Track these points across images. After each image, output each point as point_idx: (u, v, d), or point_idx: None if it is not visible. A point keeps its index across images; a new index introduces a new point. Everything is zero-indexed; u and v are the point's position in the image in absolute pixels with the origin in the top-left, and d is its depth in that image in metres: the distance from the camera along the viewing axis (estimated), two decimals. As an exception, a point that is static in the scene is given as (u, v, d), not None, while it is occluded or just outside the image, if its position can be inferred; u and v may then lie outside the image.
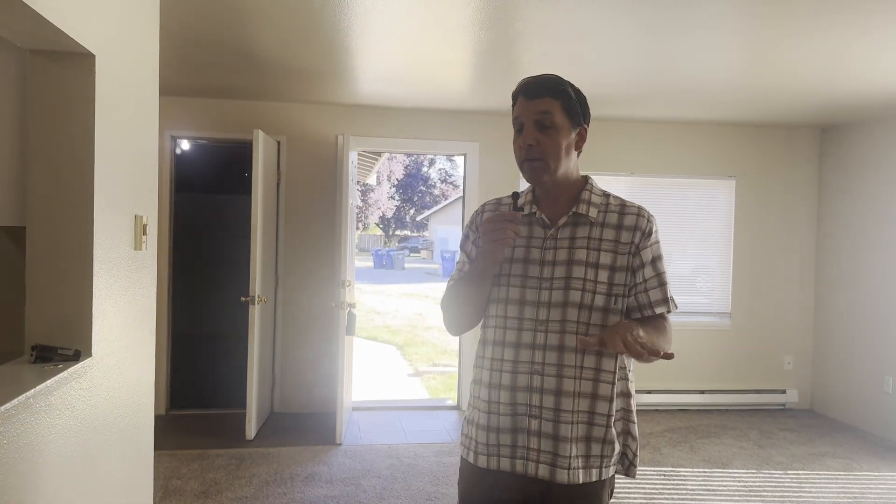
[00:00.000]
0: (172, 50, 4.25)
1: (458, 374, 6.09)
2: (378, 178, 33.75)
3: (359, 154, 8.31)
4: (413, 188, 38.12)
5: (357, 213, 35.04)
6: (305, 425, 5.38)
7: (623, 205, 1.81)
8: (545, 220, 1.78)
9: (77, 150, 2.03)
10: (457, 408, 6.05)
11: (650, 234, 1.77)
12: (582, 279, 1.71)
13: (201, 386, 5.87)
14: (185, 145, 6.17)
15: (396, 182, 37.42)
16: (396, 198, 38.12)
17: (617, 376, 1.75)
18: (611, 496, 1.82)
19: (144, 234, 2.48)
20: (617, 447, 1.77)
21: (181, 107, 5.54)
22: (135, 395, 2.50)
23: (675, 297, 1.82)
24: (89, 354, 2.04)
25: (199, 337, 5.95)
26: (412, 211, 39.27)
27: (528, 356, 1.72)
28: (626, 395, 1.79)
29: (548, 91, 1.75)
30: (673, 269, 6.32)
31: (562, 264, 1.73)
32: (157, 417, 5.49)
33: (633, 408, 1.81)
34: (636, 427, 1.82)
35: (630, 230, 1.76)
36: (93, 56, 2.03)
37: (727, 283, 6.34)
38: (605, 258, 1.73)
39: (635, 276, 1.75)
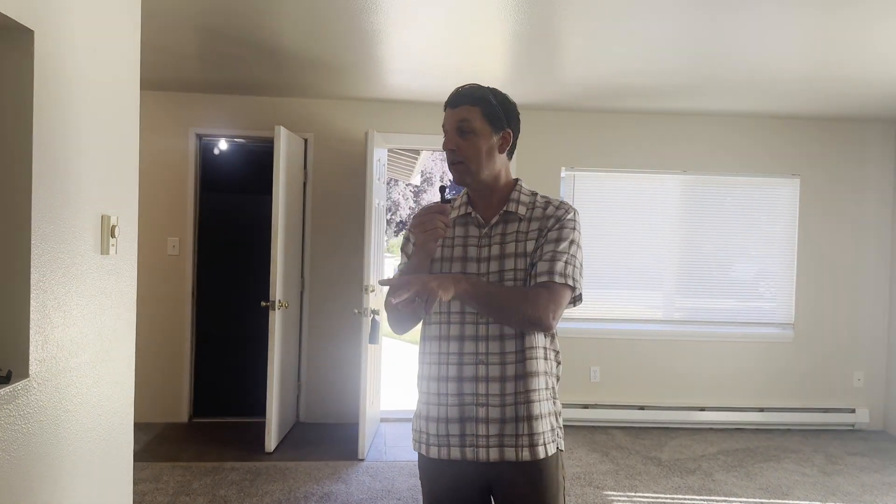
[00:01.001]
0: (195, 43, 4.05)
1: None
2: (428, 178, 33.56)
3: (396, 152, 8.02)
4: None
5: (409, 214, 35.14)
6: (330, 437, 5.10)
7: (548, 202, 1.91)
8: (479, 220, 1.91)
9: (11, 140, 1.77)
10: (492, 421, 5.68)
11: (560, 220, 1.85)
12: (513, 269, 1.83)
13: (226, 392, 5.66)
14: (223, 145, 5.99)
15: (450, 182, 37.18)
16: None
17: (545, 354, 1.86)
18: (565, 476, 1.93)
19: (113, 236, 2.21)
20: (555, 422, 1.89)
21: (206, 104, 5.33)
22: (102, 416, 2.24)
23: (570, 276, 1.83)
24: (25, 375, 1.77)
25: (224, 341, 5.74)
26: (465, 212, 38.88)
27: (473, 347, 1.83)
28: (553, 374, 1.91)
29: (468, 100, 1.87)
30: (732, 274, 5.83)
31: (496, 259, 1.85)
32: (178, 425, 5.34)
33: (557, 386, 1.94)
34: (559, 404, 1.94)
35: (546, 219, 1.86)
36: (31, 32, 1.76)
37: (790, 290, 5.81)
38: (530, 246, 1.84)
39: (539, 248, 1.84)
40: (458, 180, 1.89)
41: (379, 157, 5.05)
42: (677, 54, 3.97)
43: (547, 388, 1.86)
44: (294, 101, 5.39)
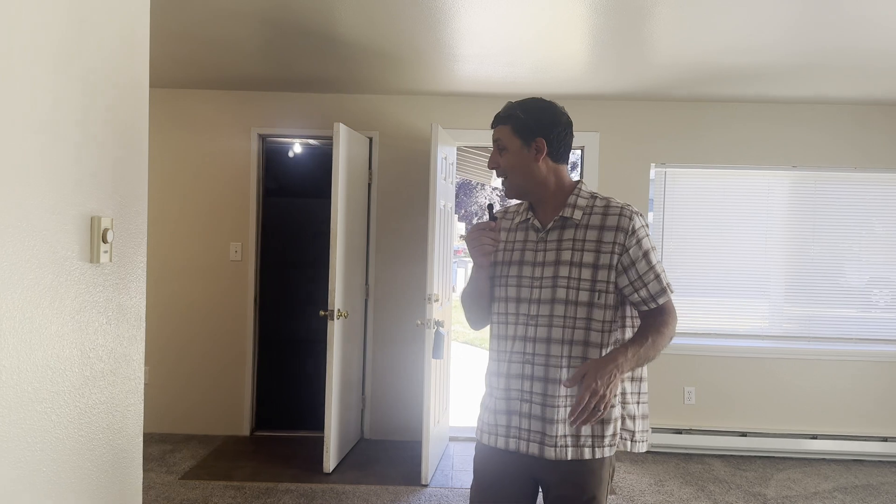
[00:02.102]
0: (258, 38, 3.81)
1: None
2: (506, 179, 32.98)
3: (471, 151, 7.61)
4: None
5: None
6: (395, 456, 4.74)
7: (607, 205, 1.97)
8: (537, 225, 2.02)
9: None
10: (572, 444, 5.17)
11: (633, 231, 1.92)
12: (567, 277, 1.92)
13: (290, 405, 5.40)
14: (297, 148, 5.76)
15: (498, 197, 36.53)
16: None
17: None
18: (612, 475, 2.00)
19: (104, 241, 1.90)
20: (610, 429, 1.92)
21: (269, 103, 5.09)
22: (96, 451, 1.93)
23: (670, 282, 1.98)
24: (-32, 411, 1.47)
25: (288, 351, 5.50)
26: (554, 216, 38.11)
27: (521, 347, 1.96)
28: (622, 379, 1.90)
29: (500, 119, 2.04)
30: (844, 281, 5.10)
31: (550, 265, 1.95)
32: (239, 439, 5.10)
33: (635, 390, 1.99)
34: (639, 407, 1.99)
35: (613, 230, 1.92)
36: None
37: (921, 302, 5.03)
38: (588, 257, 1.92)
39: (628, 274, 1.92)
40: (507, 193, 2.04)
41: (445, 154, 4.66)
42: (789, 27, 3.38)
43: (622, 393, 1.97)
44: (358, 98, 5.08)
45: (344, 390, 4.63)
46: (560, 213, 1.98)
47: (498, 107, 5.26)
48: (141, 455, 2.23)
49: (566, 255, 1.94)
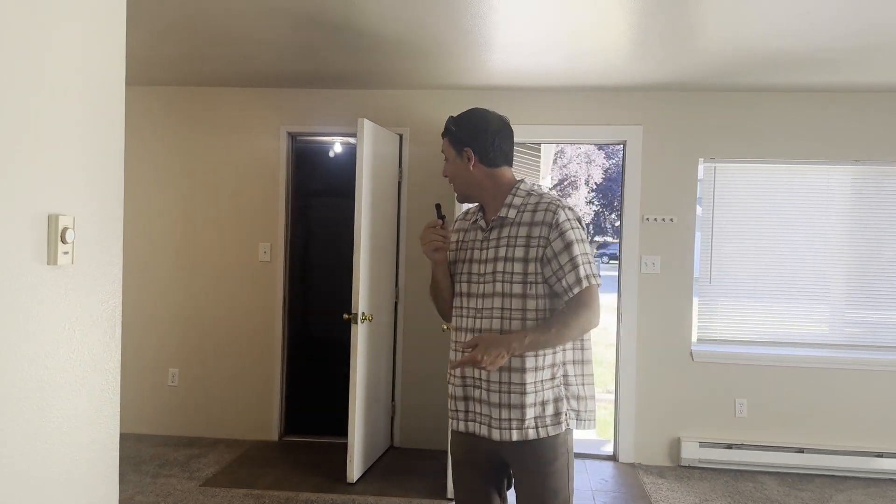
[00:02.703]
0: (288, 32, 3.67)
1: (614, 411, 4.92)
2: (573, 182, 32.52)
3: (517, 152, 7.37)
4: (613, 192, 36.25)
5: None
6: (424, 467, 4.54)
7: (538, 202, 2.11)
8: (482, 225, 2.19)
9: None
10: (613, 458, 4.89)
11: (557, 224, 2.05)
12: (503, 272, 2.08)
13: (320, 409, 5.26)
14: (337, 148, 5.64)
15: (595, 186, 35.83)
16: (595, 202, 36.46)
17: (544, 351, 2.06)
18: (568, 451, 2.13)
19: (64, 241, 1.75)
20: (550, 409, 2.07)
21: (298, 100, 4.97)
22: (47, 468, 1.78)
23: (595, 274, 2.07)
24: None
25: (318, 354, 5.37)
26: (612, 216, 37.37)
27: (464, 338, 2.12)
28: (563, 363, 2.09)
29: (443, 133, 2.22)
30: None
31: (490, 261, 2.12)
32: (267, 445, 4.97)
33: (579, 373, 2.12)
34: (584, 388, 2.13)
35: (539, 225, 2.07)
36: None
37: None
38: (520, 252, 2.08)
39: (551, 265, 2.06)
40: (457, 198, 2.25)
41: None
42: (846, 2, 3.04)
43: (541, 380, 2.06)
44: (388, 94, 4.90)
45: (370, 397, 4.45)
46: (498, 213, 2.14)
47: (531, 100, 5.07)
48: (116, 470, 2.08)
49: (502, 252, 2.10)
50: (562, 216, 2.05)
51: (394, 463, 4.64)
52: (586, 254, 2.06)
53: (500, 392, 2.06)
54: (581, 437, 5.84)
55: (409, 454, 4.79)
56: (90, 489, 1.93)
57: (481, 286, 2.11)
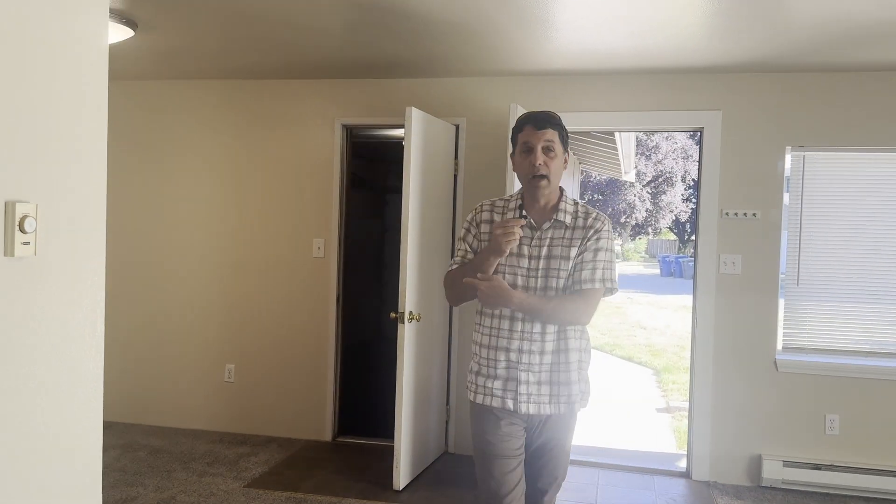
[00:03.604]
0: (342, 20, 3.51)
1: (688, 422, 4.51)
2: (668, 178, 31.34)
3: (588, 141, 7.01)
4: (711, 189, 34.66)
5: (645, 216, 33.02)
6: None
7: (587, 213, 2.37)
8: (532, 223, 2.36)
9: None
10: (685, 475, 4.48)
11: (597, 232, 2.33)
12: (557, 269, 2.31)
13: (374, 410, 5.10)
14: (393, 140, 5.47)
15: (692, 182, 34.44)
16: (693, 200, 35.05)
17: (577, 336, 2.38)
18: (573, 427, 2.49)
19: (23, 230, 1.61)
20: (577, 388, 2.39)
21: (352, 91, 4.81)
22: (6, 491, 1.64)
23: (610, 279, 2.35)
24: None
25: (373, 352, 5.20)
26: (710, 214, 35.75)
27: (520, 327, 2.33)
28: (583, 350, 2.42)
29: (551, 124, 2.32)
30: None
31: (544, 258, 2.33)
32: (319, 445, 4.83)
33: (586, 359, 2.44)
34: (587, 374, 2.46)
35: (586, 229, 2.34)
36: None
37: None
38: (572, 252, 2.31)
39: (578, 258, 2.33)
40: (537, 192, 2.32)
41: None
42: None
43: (577, 361, 2.38)
44: (443, 83, 4.67)
45: (420, 400, 4.24)
46: (555, 216, 2.34)
47: (595, 85, 4.69)
48: (99, 484, 1.93)
49: (556, 251, 2.32)
50: (605, 231, 2.34)
51: (446, 469, 4.41)
52: (610, 262, 2.35)
53: (557, 371, 2.34)
54: (652, 449, 5.43)
55: (463, 461, 4.55)
56: None
57: (532, 280, 2.30)
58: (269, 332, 4.97)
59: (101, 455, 1.89)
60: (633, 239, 38.48)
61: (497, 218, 2.40)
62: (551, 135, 2.29)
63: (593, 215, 2.35)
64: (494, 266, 2.27)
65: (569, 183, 9.40)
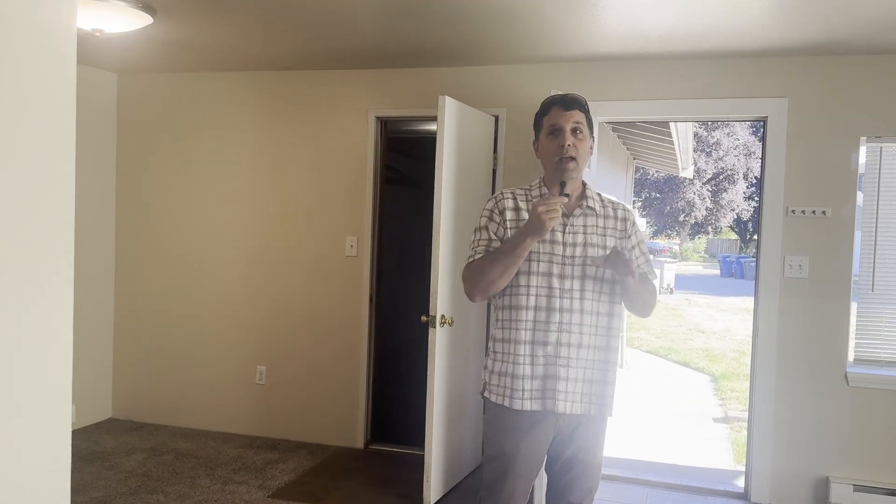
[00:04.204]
0: (366, 4, 3.28)
1: (747, 439, 4.13)
2: (730, 176, 30.31)
3: (637, 134, 6.63)
4: (775, 187, 33.40)
5: (705, 215, 31.98)
6: (514, 492, 3.99)
7: (613, 202, 2.36)
8: (563, 209, 2.22)
9: None
10: (743, 496, 4.10)
11: (633, 223, 2.37)
12: (592, 257, 2.23)
13: (409, 417, 4.86)
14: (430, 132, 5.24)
15: (755, 180, 33.20)
16: (755, 198, 33.78)
17: (616, 335, 2.32)
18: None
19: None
20: (612, 389, 2.31)
21: (386, 81, 4.58)
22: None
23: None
24: None
25: (409, 358, 4.97)
26: (774, 213, 34.48)
27: (557, 318, 2.22)
28: (618, 350, 2.37)
29: (578, 105, 2.28)
30: None
31: (581, 245, 2.25)
32: (350, 452, 4.57)
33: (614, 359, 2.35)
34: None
35: (622, 220, 2.33)
36: None
37: None
38: (609, 241, 2.28)
39: (633, 253, 2.33)
40: (566, 175, 2.23)
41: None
42: None
43: (616, 361, 2.34)
44: (483, 71, 4.39)
45: (453, 409, 3.98)
46: (584, 203, 2.29)
47: (647, 71, 4.28)
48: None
49: (592, 239, 2.26)
50: (634, 218, 2.37)
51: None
52: (648, 252, 2.42)
53: (593, 369, 2.25)
54: (706, 465, 5.04)
55: (500, 474, 4.27)
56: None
57: (567, 268, 2.22)
58: (301, 333, 4.78)
59: (68, 471, 1.67)
60: (693, 238, 37.40)
61: (522, 205, 2.31)
62: (579, 116, 2.24)
63: (621, 206, 2.35)
64: (529, 249, 2.15)
65: (622, 179, 8.99)
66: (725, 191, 31.65)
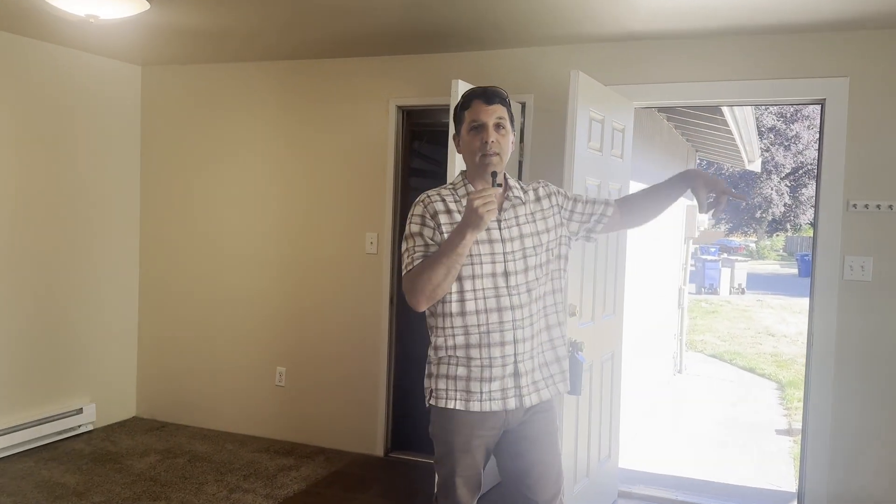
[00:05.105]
0: None
1: (801, 456, 3.70)
2: (809, 171, 28.83)
3: (699, 124, 6.17)
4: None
5: (784, 212, 30.53)
6: None
7: (530, 185, 2.30)
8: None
9: None
10: (795, 522, 3.67)
11: (556, 190, 2.31)
12: (534, 247, 2.19)
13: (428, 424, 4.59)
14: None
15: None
16: (838, 193, 32.09)
17: (558, 311, 2.28)
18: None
19: None
20: (566, 365, 2.30)
21: (407, 67, 4.33)
22: None
23: None
24: None
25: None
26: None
27: (510, 316, 2.14)
28: (563, 325, 2.32)
29: (500, 100, 2.19)
30: None
31: (517, 239, 2.18)
32: (369, 460, 4.30)
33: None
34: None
35: (545, 198, 2.27)
36: None
37: None
38: (540, 225, 2.23)
39: (577, 210, 2.32)
40: (488, 171, 2.13)
41: (602, 115, 3.48)
42: None
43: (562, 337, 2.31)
44: (509, 55, 4.09)
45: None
46: (510, 194, 2.20)
47: (688, 50, 3.85)
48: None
49: (527, 229, 2.20)
50: (552, 186, 2.33)
51: (505, 500, 3.83)
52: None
53: (552, 349, 2.25)
54: (759, 485, 4.58)
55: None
56: None
57: (511, 263, 2.15)
58: (321, 333, 4.59)
59: None
60: (770, 236, 35.81)
61: (452, 206, 2.19)
62: (501, 111, 2.17)
63: (536, 185, 2.29)
64: (469, 246, 2.02)
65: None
66: (805, 186, 30.14)
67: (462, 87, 3.43)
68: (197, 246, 4.89)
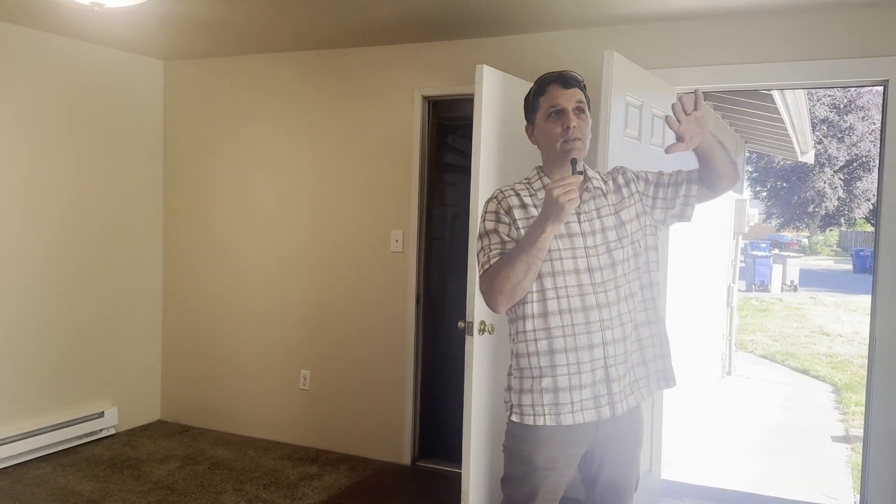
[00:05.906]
0: None
1: (862, 463, 3.38)
2: (865, 163, 27.76)
3: (746, 112, 5.82)
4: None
5: (837, 206, 29.45)
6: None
7: (609, 174, 2.16)
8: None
9: None
10: (855, 545, 3.35)
11: (634, 176, 2.14)
12: (618, 239, 2.04)
13: (461, 431, 4.38)
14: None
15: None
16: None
17: (655, 307, 2.13)
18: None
19: None
20: (671, 362, 2.16)
21: (433, 56, 4.11)
22: None
23: None
24: None
25: (459, 365, 4.47)
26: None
27: (596, 316, 1.98)
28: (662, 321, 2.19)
29: (578, 84, 2.07)
30: None
31: (598, 232, 2.03)
32: (395, 469, 4.07)
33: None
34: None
35: (625, 186, 2.11)
36: None
37: None
38: (624, 215, 2.07)
39: (660, 193, 2.12)
40: (572, 157, 1.97)
41: (641, 101, 3.21)
42: None
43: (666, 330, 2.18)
44: (537, 39, 3.84)
45: (497, 425, 3.46)
46: (590, 185, 2.07)
47: (736, 30, 3.50)
48: None
49: (609, 222, 2.05)
50: (630, 171, 2.16)
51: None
52: None
53: (641, 350, 2.10)
54: (812, 500, 4.24)
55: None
56: None
57: (593, 259, 2.02)
58: (346, 335, 4.40)
59: None
60: (823, 231, 34.62)
61: (528, 200, 2.06)
62: (580, 95, 2.05)
63: (614, 172, 2.16)
64: (550, 240, 1.89)
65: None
66: (860, 179, 28.98)
67: (487, 73, 3.21)
68: (221, 247, 4.76)
